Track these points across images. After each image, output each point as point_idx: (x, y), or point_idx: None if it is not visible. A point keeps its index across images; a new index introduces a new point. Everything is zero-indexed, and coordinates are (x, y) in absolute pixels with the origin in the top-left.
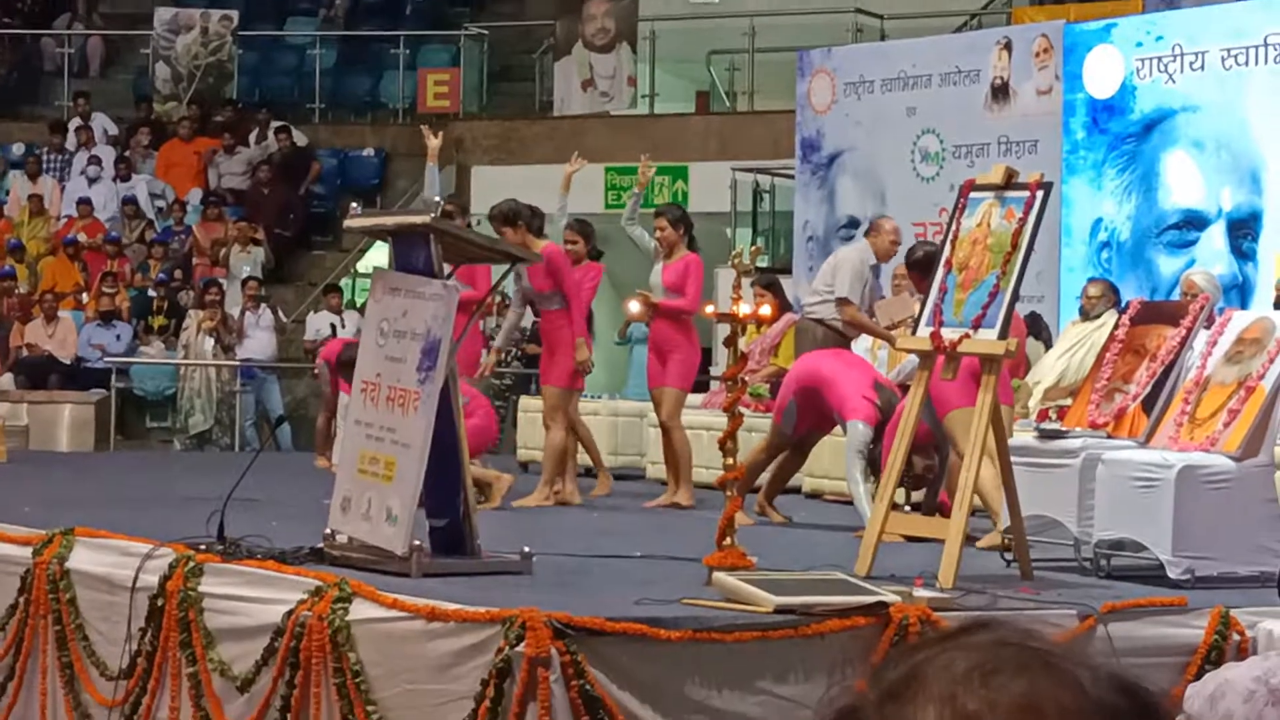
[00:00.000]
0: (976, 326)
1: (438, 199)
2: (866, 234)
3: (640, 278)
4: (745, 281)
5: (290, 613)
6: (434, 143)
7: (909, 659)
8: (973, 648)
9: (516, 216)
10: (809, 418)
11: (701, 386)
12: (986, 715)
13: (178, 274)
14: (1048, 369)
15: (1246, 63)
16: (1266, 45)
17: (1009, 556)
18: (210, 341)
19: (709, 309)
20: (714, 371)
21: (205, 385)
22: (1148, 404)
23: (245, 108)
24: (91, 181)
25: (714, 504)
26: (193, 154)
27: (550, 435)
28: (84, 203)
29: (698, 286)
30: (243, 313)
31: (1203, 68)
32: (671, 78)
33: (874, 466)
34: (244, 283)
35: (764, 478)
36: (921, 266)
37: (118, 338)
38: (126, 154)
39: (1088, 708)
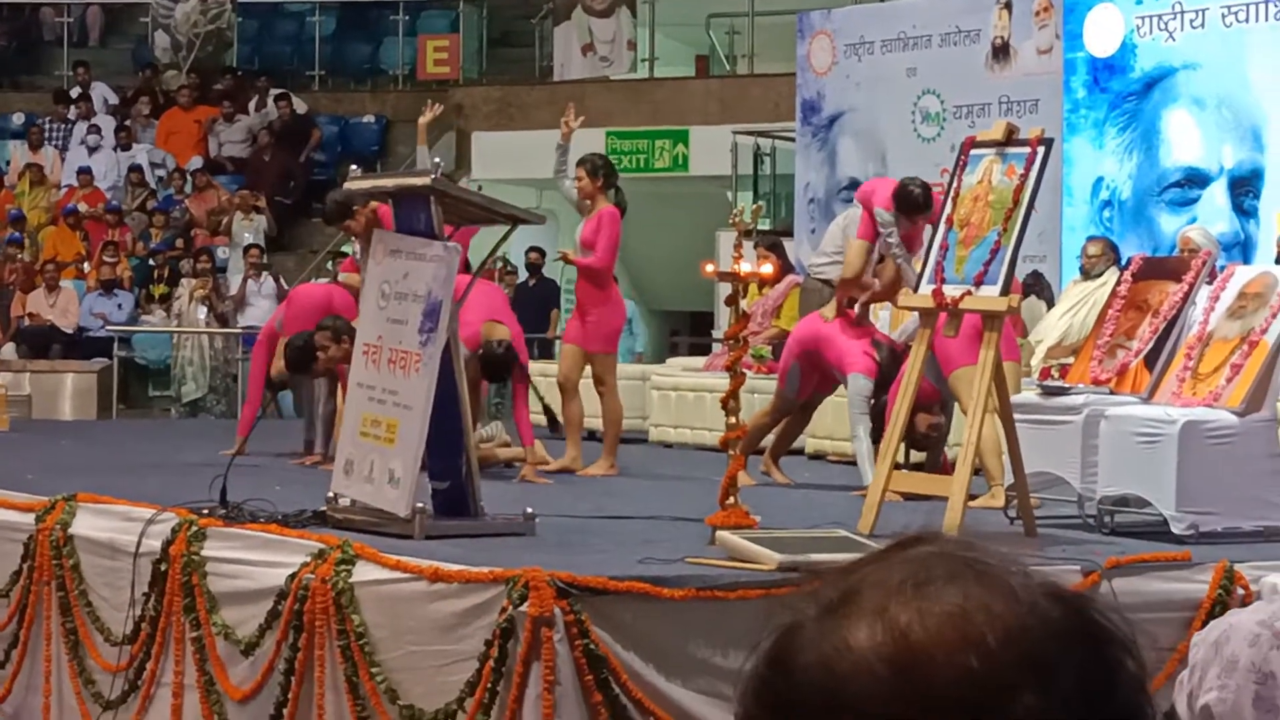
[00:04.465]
0: (978, 283)
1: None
2: None
3: (646, 238)
4: (747, 242)
5: (293, 575)
6: (425, 117)
7: (848, 575)
8: (908, 560)
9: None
10: (812, 380)
11: (703, 349)
12: (917, 625)
13: (179, 243)
14: (1050, 328)
15: (1247, 20)
16: (1267, 2)
17: (1013, 513)
18: (203, 310)
19: (709, 268)
20: (715, 333)
21: (199, 353)
22: (1150, 360)
23: (245, 75)
24: (92, 151)
25: (717, 465)
26: (193, 122)
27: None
28: (84, 172)
29: (609, 242)
30: (245, 281)
31: (1203, 25)
32: (671, 41)
33: (877, 421)
34: (246, 250)
35: (768, 439)
36: (906, 207)
37: (119, 306)
38: (127, 123)
39: (1020, 613)
